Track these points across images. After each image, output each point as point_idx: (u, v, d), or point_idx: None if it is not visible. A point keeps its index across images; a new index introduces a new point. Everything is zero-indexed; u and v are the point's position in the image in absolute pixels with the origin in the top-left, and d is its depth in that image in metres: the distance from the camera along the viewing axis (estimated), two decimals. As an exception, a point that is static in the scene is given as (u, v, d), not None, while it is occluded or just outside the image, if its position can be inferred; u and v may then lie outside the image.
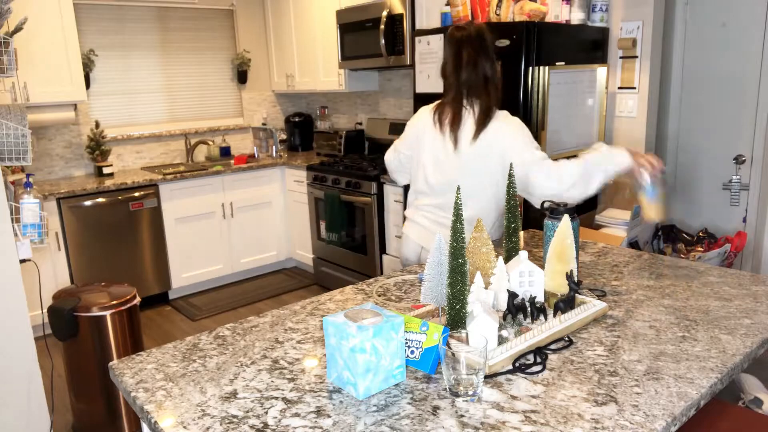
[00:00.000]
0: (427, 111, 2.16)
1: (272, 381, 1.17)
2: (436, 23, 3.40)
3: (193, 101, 4.78)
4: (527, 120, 2.69)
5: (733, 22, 2.82)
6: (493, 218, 2.10)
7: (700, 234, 2.90)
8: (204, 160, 4.82)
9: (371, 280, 1.75)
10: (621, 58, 3.02)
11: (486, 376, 1.15)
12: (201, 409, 1.08)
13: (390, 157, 2.30)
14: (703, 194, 3.07)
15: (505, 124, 1.98)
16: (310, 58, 4.63)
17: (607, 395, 1.07)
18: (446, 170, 2.06)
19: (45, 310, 3.10)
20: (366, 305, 1.19)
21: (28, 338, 2.17)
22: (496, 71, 2.03)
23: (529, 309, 1.35)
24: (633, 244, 2.83)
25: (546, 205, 1.58)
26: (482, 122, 1.99)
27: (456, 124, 2.04)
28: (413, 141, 2.18)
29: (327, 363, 1.17)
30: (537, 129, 2.72)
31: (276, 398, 1.11)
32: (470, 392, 1.07)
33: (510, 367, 1.19)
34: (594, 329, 1.36)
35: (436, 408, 1.06)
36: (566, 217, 1.43)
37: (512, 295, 1.34)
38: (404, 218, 2.29)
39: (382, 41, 3.74)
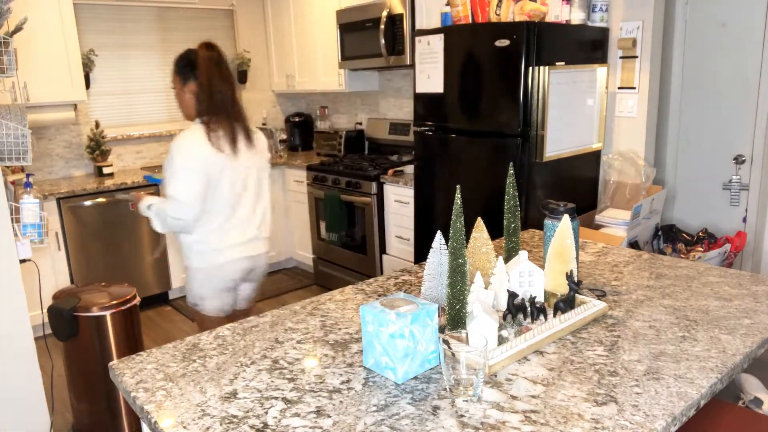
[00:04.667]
0: (202, 139, 2.12)
1: (272, 381, 1.17)
2: (436, 23, 3.39)
3: (193, 101, 4.78)
4: (527, 120, 2.69)
5: (733, 22, 2.82)
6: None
7: (700, 234, 2.90)
8: (204, 160, 4.82)
9: (371, 280, 1.75)
10: (621, 58, 3.02)
11: (486, 376, 1.15)
12: (201, 409, 1.08)
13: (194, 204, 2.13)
14: (703, 194, 3.07)
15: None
16: (310, 58, 4.63)
17: (607, 395, 1.07)
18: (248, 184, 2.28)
19: (45, 310, 3.10)
20: (398, 294, 1.23)
21: (28, 338, 2.17)
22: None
23: (529, 309, 1.35)
24: (633, 244, 2.83)
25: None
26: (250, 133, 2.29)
27: (249, 139, 2.27)
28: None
29: (363, 349, 1.21)
30: (537, 129, 2.72)
31: (276, 398, 1.11)
32: (470, 392, 1.07)
33: (510, 366, 1.19)
34: (594, 329, 1.36)
35: (436, 408, 1.06)
36: (566, 217, 1.43)
37: (512, 295, 1.34)
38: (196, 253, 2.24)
39: (382, 41, 3.74)
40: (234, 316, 2.42)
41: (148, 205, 2.18)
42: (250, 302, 2.51)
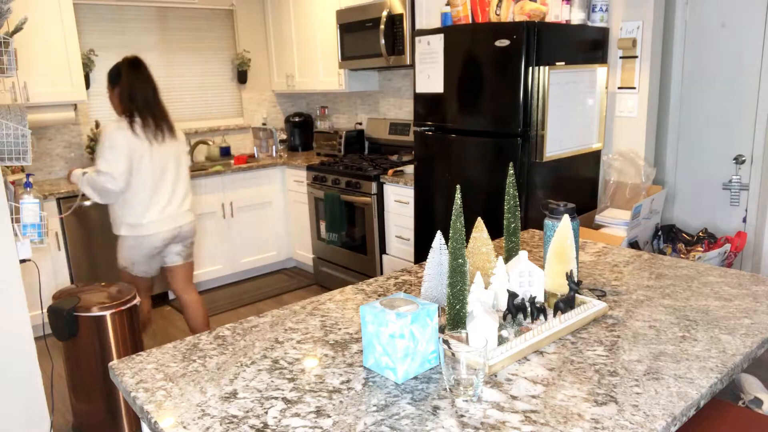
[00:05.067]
0: (125, 128, 2.69)
1: (272, 381, 1.17)
2: (436, 23, 3.40)
3: (193, 101, 4.78)
4: (527, 120, 2.69)
5: (733, 22, 2.82)
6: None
7: (700, 234, 2.90)
8: (204, 160, 4.82)
9: (371, 280, 1.75)
10: (621, 58, 3.02)
11: (486, 376, 1.15)
12: (201, 409, 1.08)
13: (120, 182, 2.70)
14: (703, 194, 3.07)
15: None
16: (310, 58, 4.63)
17: (607, 395, 1.07)
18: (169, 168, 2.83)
19: (45, 310, 3.10)
20: (398, 294, 1.23)
21: (28, 338, 2.17)
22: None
23: (529, 309, 1.35)
24: (633, 244, 2.83)
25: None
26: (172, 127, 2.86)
27: (171, 130, 2.84)
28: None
29: (363, 349, 1.21)
30: (537, 129, 2.72)
31: (276, 398, 1.11)
32: (470, 392, 1.07)
33: (510, 366, 1.19)
34: (594, 329, 1.36)
35: (436, 408, 1.06)
36: (566, 217, 1.43)
37: (512, 295, 1.34)
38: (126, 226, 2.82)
39: (382, 41, 3.74)
40: (165, 271, 3.05)
41: (83, 172, 2.72)
42: (184, 258, 3.05)
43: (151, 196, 2.76)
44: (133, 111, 2.71)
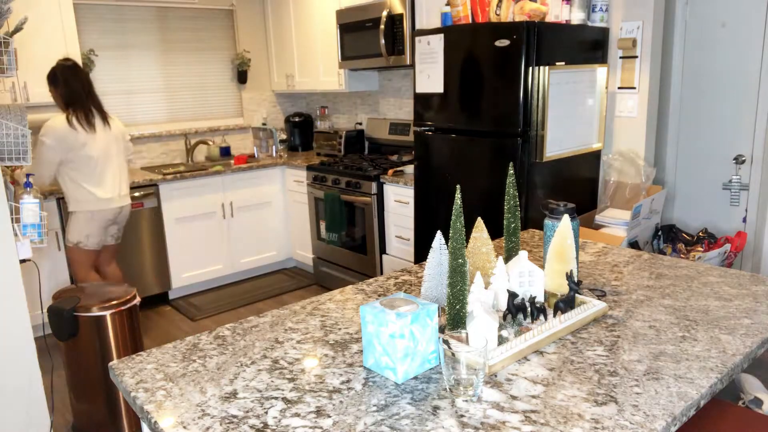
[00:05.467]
0: (63, 124, 3.03)
1: (272, 381, 1.17)
2: (437, 23, 3.40)
3: (193, 101, 4.78)
4: (527, 120, 2.69)
5: (733, 22, 2.82)
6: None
7: (700, 234, 2.90)
8: (204, 160, 4.82)
9: (371, 280, 1.75)
10: (621, 58, 3.02)
11: (486, 376, 1.15)
12: (201, 409, 1.08)
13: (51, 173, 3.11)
14: (703, 194, 3.07)
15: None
16: (310, 58, 4.63)
17: (607, 395, 1.07)
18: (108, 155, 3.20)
19: (45, 310, 3.10)
20: (398, 294, 1.23)
21: (28, 338, 2.17)
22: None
23: (529, 309, 1.35)
24: (633, 244, 2.83)
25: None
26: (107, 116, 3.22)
27: (105, 121, 3.19)
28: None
29: (363, 349, 1.21)
30: (537, 129, 2.72)
31: (276, 398, 1.11)
32: (470, 392, 1.07)
33: (510, 366, 1.19)
34: (594, 329, 1.36)
35: (436, 408, 1.06)
36: (566, 217, 1.43)
37: (512, 295, 1.34)
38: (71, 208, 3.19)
39: (382, 41, 3.74)
40: (104, 249, 3.37)
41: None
42: (116, 239, 3.43)
43: (97, 176, 3.14)
44: (70, 107, 3.07)
